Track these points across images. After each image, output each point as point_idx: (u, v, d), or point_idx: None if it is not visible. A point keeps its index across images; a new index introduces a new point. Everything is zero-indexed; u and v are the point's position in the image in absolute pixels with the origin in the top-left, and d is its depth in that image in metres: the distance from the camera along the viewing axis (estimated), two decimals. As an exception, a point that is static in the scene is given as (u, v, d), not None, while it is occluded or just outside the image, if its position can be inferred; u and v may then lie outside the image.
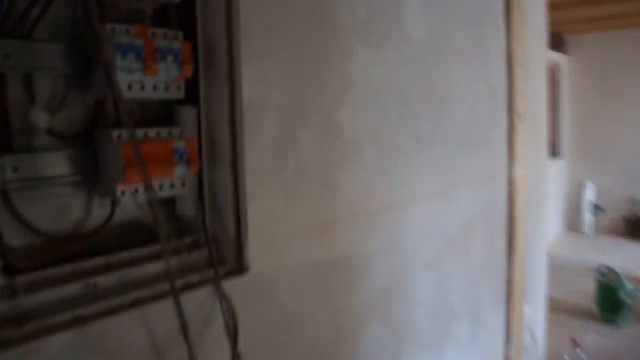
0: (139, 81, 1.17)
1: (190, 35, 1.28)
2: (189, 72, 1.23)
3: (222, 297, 1.25)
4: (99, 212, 1.21)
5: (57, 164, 1.14)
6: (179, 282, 1.21)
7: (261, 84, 1.34)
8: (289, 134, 1.41)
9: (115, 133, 1.15)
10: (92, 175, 1.18)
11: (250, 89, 1.30)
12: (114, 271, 1.17)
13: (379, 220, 1.73)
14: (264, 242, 1.36)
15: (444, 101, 2.01)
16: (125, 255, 1.20)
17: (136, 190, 1.18)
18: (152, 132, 1.22)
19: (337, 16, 1.53)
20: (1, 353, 0.98)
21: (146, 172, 1.11)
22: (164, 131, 1.24)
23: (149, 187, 1.09)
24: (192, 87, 1.29)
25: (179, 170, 1.23)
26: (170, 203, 1.35)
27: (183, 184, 1.27)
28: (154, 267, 1.21)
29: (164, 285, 1.18)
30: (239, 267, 1.32)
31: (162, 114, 1.30)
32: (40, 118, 1.10)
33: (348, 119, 1.58)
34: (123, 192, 1.16)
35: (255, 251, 1.33)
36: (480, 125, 2.25)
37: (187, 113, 1.29)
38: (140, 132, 1.20)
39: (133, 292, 1.16)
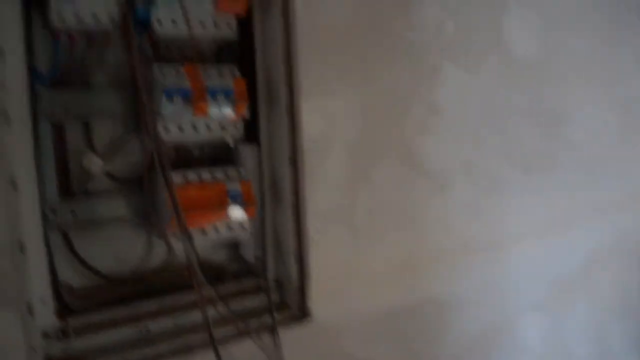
0: (189, 122, 1.15)
1: (250, 71, 1.24)
2: (242, 111, 1.19)
3: (275, 345, 1.19)
4: (157, 253, 1.21)
5: (115, 206, 1.16)
6: (235, 327, 1.18)
7: (327, 119, 1.26)
8: (360, 171, 1.32)
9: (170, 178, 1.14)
10: (149, 217, 1.18)
11: (315, 125, 1.24)
12: (168, 315, 1.16)
13: (472, 260, 1.56)
14: (330, 288, 1.28)
15: (559, 123, 1.78)
16: (179, 299, 1.19)
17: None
18: (206, 173, 1.19)
19: (419, 34, 1.40)
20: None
21: (182, 218, 1.06)
22: (219, 172, 1.21)
23: (184, 234, 1.05)
24: (254, 125, 1.25)
25: (235, 213, 1.19)
26: (235, 244, 1.33)
27: (242, 227, 1.24)
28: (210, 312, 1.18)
29: (220, 331, 1.15)
30: (301, 314, 1.26)
31: (223, 153, 1.28)
32: (94, 164, 1.12)
33: (433, 150, 1.44)
34: (174, 235, 1.15)
35: (319, 297, 1.26)
36: (608, 146, 1.96)
37: (247, 152, 1.25)
38: (193, 175, 1.18)
39: (185, 338, 1.14)
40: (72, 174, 1.13)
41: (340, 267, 1.30)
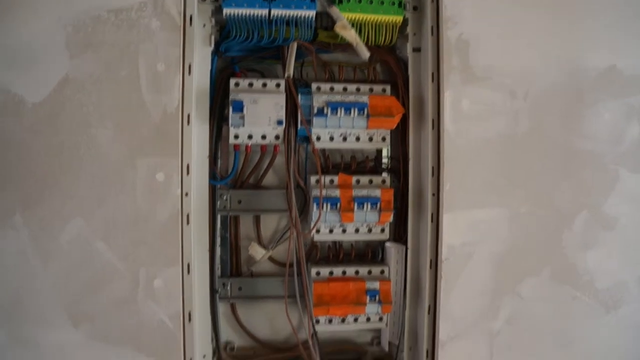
0: (339, 226, 1.30)
1: (404, 178, 1.34)
2: (387, 219, 1.30)
3: None
4: (305, 330, 1.38)
5: (273, 287, 1.37)
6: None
7: (470, 229, 1.28)
8: (505, 283, 1.30)
9: (314, 270, 1.32)
10: (301, 299, 1.36)
11: (457, 234, 1.27)
12: (306, 386, 1.34)
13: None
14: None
15: None
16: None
17: (330, 321, 1.33)
18: (350, 270, 1.33)
19: (590, 143, 1.31)
20: None
21: (310, 309, 1.29)
22: (362, 270, 1.34)
23: (313, 325, 1.27)
24: (403, 225, 1.35)
25: (370, 309, 1.31)
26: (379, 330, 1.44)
27: (380, 319, 1.35)
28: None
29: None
30: (426, 410, 1.32)
31: (372, 250, 1.41)
32: (257, 252, 1.35)
33: (599, 266, 1.34)
34: (317, 320, 1.31)
35: (448, 399, 1.30)
36: None
37: (392, 251, 1.35)
38: (339, 270, 1.33)
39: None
40: (242, 257, 1.38)
41: (472, 373, 1.32)
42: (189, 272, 1.22)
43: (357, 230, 1.32)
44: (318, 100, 1.25)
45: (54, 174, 1.18)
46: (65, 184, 1.18)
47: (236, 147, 1.30)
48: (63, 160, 1.18)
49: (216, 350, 1.34)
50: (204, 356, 1.29)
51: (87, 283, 1.20)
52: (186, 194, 1.21)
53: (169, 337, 1.22)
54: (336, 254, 1.38)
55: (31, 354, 1.21)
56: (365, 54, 1.18)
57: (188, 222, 1.21)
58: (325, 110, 1.25)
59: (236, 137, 1.25)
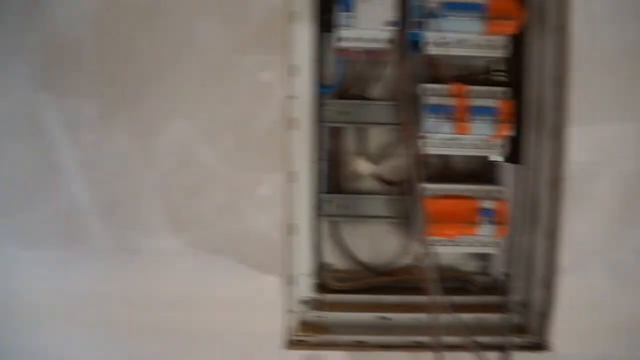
0: (452, 138, 1.21)
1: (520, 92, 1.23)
2: (505, 132, 1.19)
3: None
4: (410, 252, 1.31)
5: (378, 206, 1.30)
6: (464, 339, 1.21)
7: (599, 146, 1.16)
8: (631, 208, 1.18)
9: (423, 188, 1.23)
10: (407, 219, 1.28)
11: (583, 151, 1.16)
12: (406, 311, 1.26)
13: None
14: (578, 324, 1.20)
15: None
16: (421, 298, 1.25)
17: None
18: (462, 188, 1.24)
19: None
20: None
21: (425, 227, 1.16)
22: (475, 189, 1.24)
23: (425, 243, 1.14)
24: (516, 145, 1.24)
25: (484, 231, 1.21)
26: (488, 257, 1.34)
27: (493, 243, 1.25)
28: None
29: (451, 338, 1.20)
30: (539, 342, 1.21)
31: (486, 170, 1.31)
32: (363, 167, 1.28)
33: None
34: (427, 241, 1.23)
35: (563, 330, 1.19)
36: None
37: (509, 172, 1.25)
38: (449, 188, 1.23)
39: (417, 335, 1.21)
40: (345, 172, 1.32)
41: (593, 305, 1.20)
42: (292, 181, 1.17)
43: (470, 145, 1.22)
44: (432, 0, 1.16)
45: (155, 73, 1.15)
46: (166, 84, 1.15)
47: (343, 52, 1.23)
48: (164, 58, 1.14)
49: (316, 269, 1.29)
50: (305, 274, 1.25)
51: (188, 188, 1.18)
52: (291, 98, 1.15)
53: (271, 248, 1.18)
54: (446, 171, 1.29)
55: (135, 260, 1.20)
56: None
57: (292, 128, 1.16)
58: (440, 12, 1.16)
59: (344, 39, 1.18)
